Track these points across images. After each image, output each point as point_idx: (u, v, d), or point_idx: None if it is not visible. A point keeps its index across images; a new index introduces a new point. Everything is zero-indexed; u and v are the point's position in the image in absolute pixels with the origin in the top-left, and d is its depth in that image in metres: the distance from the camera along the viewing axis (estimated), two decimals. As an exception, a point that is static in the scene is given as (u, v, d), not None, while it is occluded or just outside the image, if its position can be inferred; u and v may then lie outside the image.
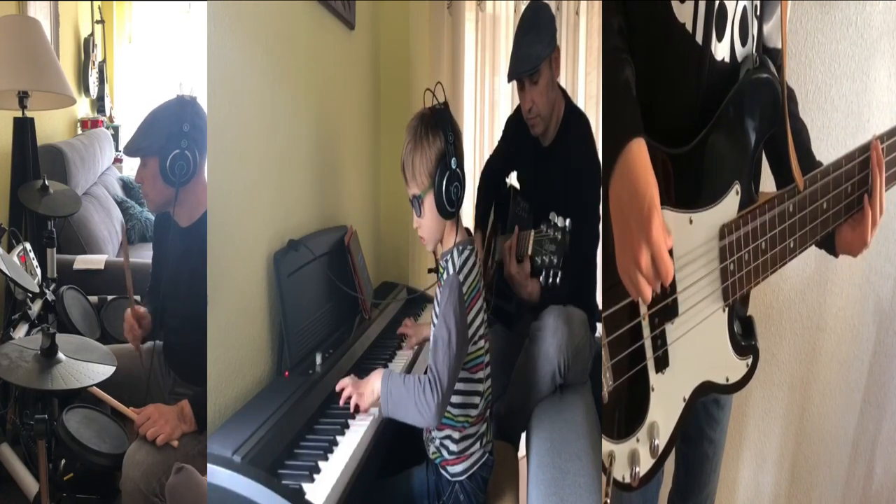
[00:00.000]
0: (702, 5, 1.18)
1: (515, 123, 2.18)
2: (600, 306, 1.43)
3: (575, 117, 2.03)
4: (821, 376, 2.22)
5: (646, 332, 1.20)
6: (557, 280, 1.73)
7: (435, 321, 1.41)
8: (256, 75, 1.57)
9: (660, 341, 1.22)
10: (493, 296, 2.12)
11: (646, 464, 1.24)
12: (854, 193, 1.34)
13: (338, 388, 1.49)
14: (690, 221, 1.20)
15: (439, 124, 1.37)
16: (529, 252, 1.79)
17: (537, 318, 1.79)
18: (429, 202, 1.39)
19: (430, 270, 2.18)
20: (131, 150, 1.64)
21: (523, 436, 1.79)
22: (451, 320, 1.34)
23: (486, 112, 3.49)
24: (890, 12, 1.99)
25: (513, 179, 2.30)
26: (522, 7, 3.52)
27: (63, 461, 1.75)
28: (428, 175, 1.38)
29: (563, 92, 2.04)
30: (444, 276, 1.40)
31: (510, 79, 2.01)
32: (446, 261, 1.41)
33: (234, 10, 1.44)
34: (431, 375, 1.33)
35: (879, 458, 2.26)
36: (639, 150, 1.07)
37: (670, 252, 1.13)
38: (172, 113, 1.59)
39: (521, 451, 1.78)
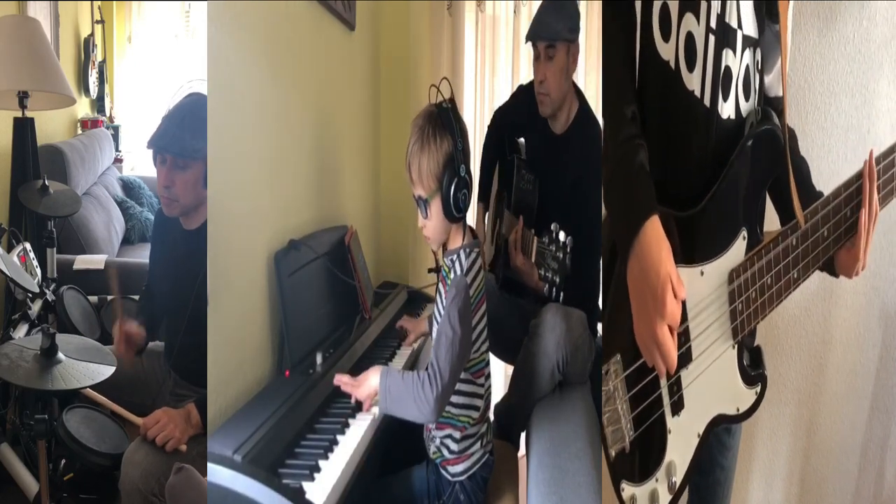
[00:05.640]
0: (709, 72, 1.26)
1: (529, 92, 2.16)
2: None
3: (589, 118, 2.03)
4: (828, 388, 2.21)
5: (663, 381, 1.28)
6: (560, 297, 1.72)
7: (438, 318, 1.40)
8: (256, 75, 1.57)
9: (675, 387, 1.29)
10: (502, 266, 2.12)
11: (664, 501, 1.31)
12: (853, 216, 1.39)
13: (335, 382, 1.47)
14: (702, 273, 1.29)
15: (447, 125, 1.34)
16: (532, 259, 1.79)
17: (536, 316, 1.80)
18: (435, 206, 1.37)
19: (430, 270, 2.19)
20: (183, 151, 1.54)
21: (523, 435, 1.79)
22: (455, 319, 1.33)
23: (485, 113, 3.48)
24: (888, 24, 2.00)
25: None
26: (522, 8, 3.54)
27: (63, 461, 1.75)
28: (435, 179, 1.35)
29: (580, 93, 2.05)
30: (451, 276, 1.39)
31: (528, 39, 2.02)
32: (452, 261, 1.40)
33: (234, 10, 1.44)
34: (432, 370, 1.32)
35: (889, 464, 2.25)
36: (653, 230, 1.16)
37: (684, 303, 1.22)
38: None
39: (521, 451, 1.78)
